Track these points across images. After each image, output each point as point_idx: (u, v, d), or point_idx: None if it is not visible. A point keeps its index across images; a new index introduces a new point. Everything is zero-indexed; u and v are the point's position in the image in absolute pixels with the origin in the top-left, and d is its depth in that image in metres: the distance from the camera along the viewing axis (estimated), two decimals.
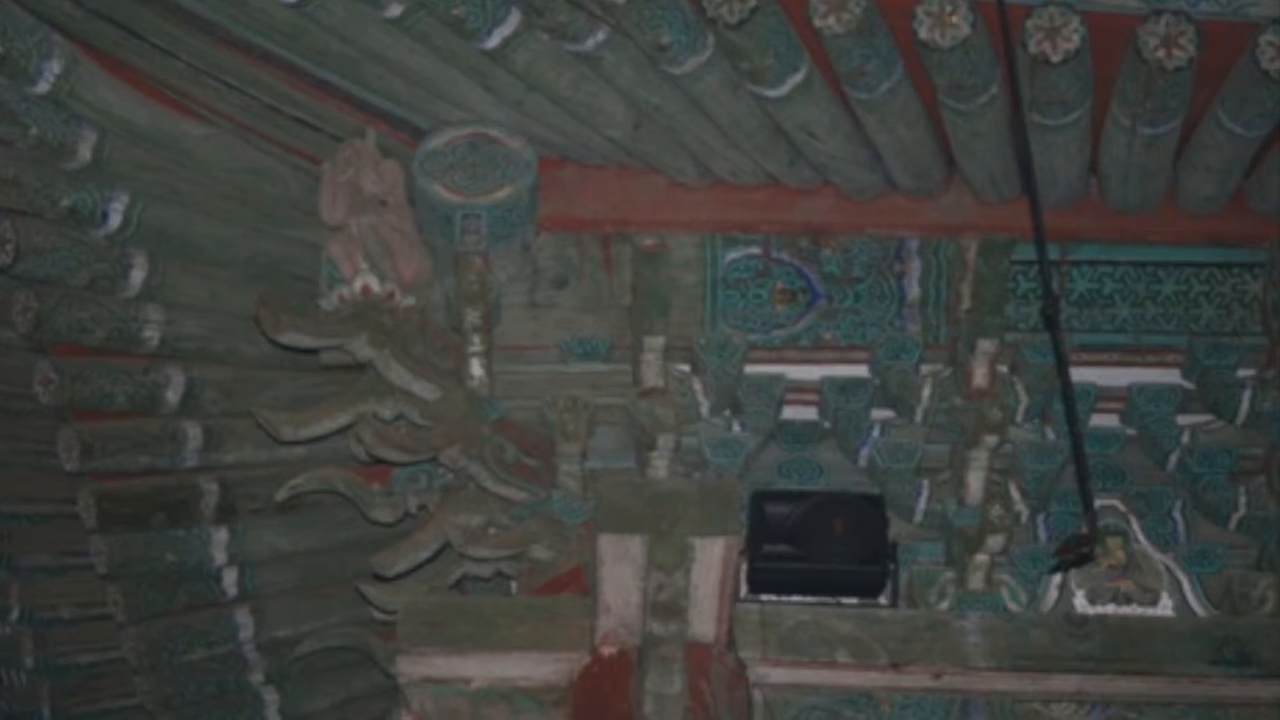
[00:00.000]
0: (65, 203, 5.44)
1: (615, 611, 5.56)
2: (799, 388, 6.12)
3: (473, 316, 5.81)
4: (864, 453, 6.14)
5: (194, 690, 6.87)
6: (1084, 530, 5.10)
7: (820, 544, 5.84)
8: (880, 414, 6.13)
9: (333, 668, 7.10)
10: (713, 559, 5.43)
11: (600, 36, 5.02)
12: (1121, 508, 6.21)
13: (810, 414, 6.18)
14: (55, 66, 5.16)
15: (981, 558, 6.06)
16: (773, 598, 5.85)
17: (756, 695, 5.69)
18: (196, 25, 5.20)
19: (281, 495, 6.05)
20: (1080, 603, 6.17)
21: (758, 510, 5.88)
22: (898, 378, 6.00)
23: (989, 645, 5.72)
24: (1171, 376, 6.10)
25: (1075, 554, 5.24)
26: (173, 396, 6.07)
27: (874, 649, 5.69)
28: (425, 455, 5.91)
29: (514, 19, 4.99)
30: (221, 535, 6.46)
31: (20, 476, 6.67)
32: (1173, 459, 6.15)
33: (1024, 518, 6.14)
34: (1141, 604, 6.16)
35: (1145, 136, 5.22)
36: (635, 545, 5.40)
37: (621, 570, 5.46)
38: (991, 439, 5.95)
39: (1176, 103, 5.06)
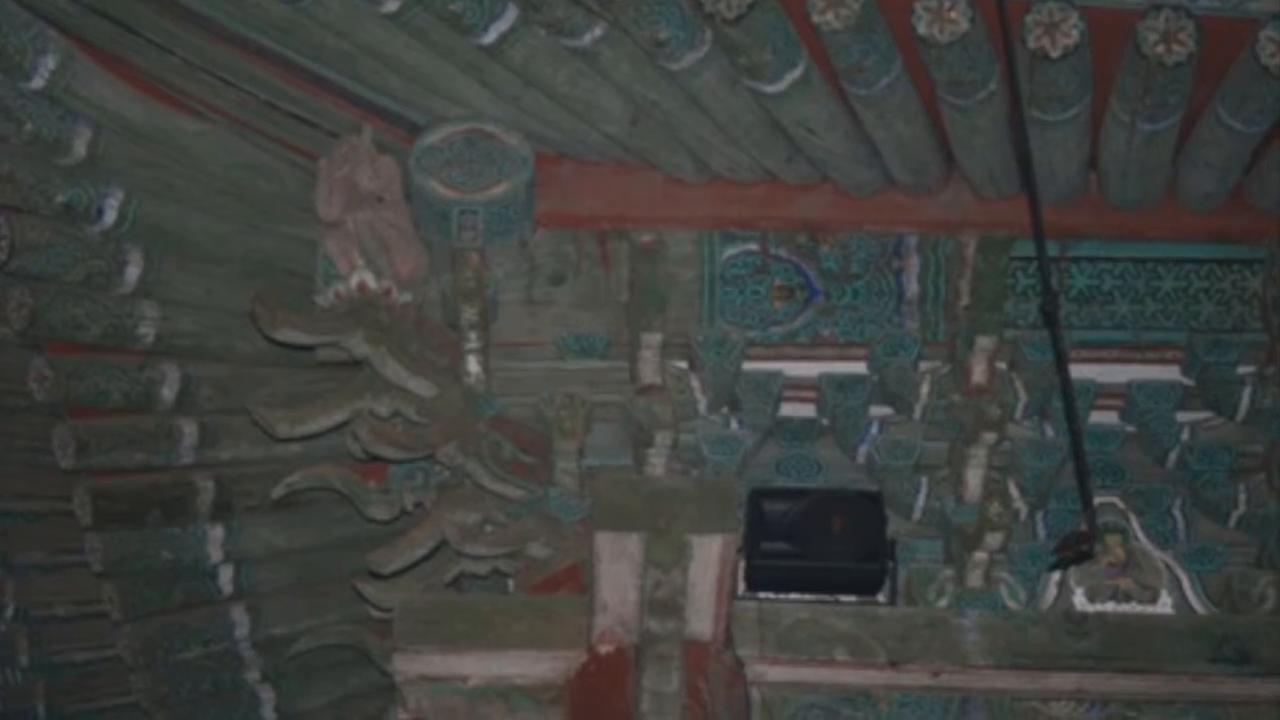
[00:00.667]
0: (60, 199, 5.43)
1: (612, 609, 5.56)
2: (797, 385, 6.10)
3: (469, 313, 5.79)
4: (862, 450, 6.12)
5: (189, 688, 6.86)
6: (1083, 528, 5.10)
7: (818, 541, 5.82)
8: (879, 411, 6.11)
9: (329, 666, 7.09)
10: (710, 556, 5.43)
11: (597, 32, 5.01)
12: (1121, 505, 6.20)
13: (808, 411, 6.17)
14: (50, 62, 5.15)
15: (980, 555, 6.04)
16: (771, 595, 5.82)
17: (754, 693, 5.68)
18: (192, 21, 5.18)
19: (277, 492, 6.03)
20: (1079, 600, 6.15)
21: (756, 508, 5.86)
22: (896, 375, 5.99)
23: (988, 643, 5.72)
24: (1171, 373, 6.08)
25: (1074, 551, 5.23)
26: (168, 393, 6.06)
27: (872, 647, 5.68)
28: (422, 452, 5.90)
29: (511, 14, 4.98)
30: (217, 533, 6.46)
31: (15, 474, 6.65)
32: (1172, 456, 6.13)
33: (1023, 515, 6.12)
34: (1141, 602, 6.14)
35: (1145, 132, 5.21)
36: (633, 543, 5.40)
37: (619, 568, 5.45)
38: (990, 436, 5.94)
39: (1176, 99, 5.04)
